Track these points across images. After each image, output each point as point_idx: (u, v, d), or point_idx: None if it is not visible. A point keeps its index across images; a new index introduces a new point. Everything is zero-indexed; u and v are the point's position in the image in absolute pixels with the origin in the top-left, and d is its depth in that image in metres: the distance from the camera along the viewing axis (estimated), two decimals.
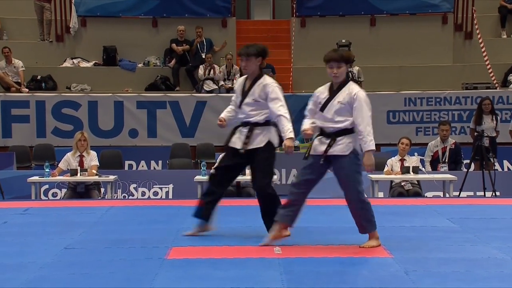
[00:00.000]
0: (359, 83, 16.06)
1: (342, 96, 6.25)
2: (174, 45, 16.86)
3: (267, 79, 6.91)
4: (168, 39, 17.01)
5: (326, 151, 6.22)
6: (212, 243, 6.43)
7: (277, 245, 6.23)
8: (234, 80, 16.18)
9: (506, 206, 8.82)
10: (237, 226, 7.41)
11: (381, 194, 10.88)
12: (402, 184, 10.77)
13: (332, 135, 6.25)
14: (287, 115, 6.76)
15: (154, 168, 14.59)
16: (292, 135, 6.73)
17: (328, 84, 6.44)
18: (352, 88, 6.29)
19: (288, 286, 4.95)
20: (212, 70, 16.26)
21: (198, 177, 10.69)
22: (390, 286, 4.98)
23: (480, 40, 16.53)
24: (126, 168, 14.25)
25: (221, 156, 7.25)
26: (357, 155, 6.22)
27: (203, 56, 16.58)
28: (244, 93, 6.90)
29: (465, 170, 11.63)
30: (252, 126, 6.80)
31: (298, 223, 7.50)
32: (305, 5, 17.41)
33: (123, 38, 17.00)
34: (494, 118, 12.98)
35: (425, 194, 10.85)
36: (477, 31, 16.76)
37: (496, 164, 12.85)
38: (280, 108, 6.75)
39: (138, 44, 17.02)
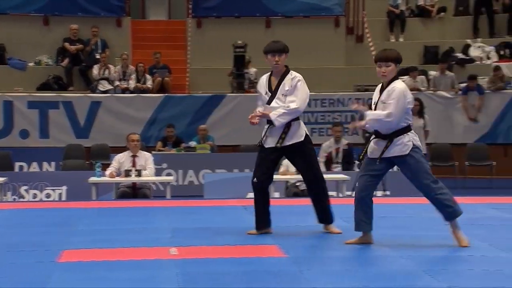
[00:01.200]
0: (256, 84, 16.21)
1: (384, 95, 6.21)
2: (67, 44, 16.49)
3: (295, 73, 6.98)
4: (61, 37, 16.63)
5: (383, 152, 6.19)
6: (106, 245, 6.32)
7: (173, 246, 6.19)
8: (130, 81, 15.99)
9: (396, 205, 9.08)
10: (134, 227, 7.31)
11: (276, 194, 11.00)
12: (297, 184, 10.92)
13: (388, 136, 6.22)
14: (289, 110, 6.73)
15: (47, 169, 14.23)
16: (274, 117, 6.72)
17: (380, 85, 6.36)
18: (394, 84, 6.19)
19: (184, 286, 4.93)
20: (107, 70, 16.00)
21: (93, 179, 10.49)
22: (284, 286, 5.03)
23: (371, 44, 17.00)
24: (17, 169, 13.84)
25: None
26: (419, 150, 6.24)
27: (98, 56, 16.30)
28: (274, 90, 6.87)
29: (357, 170, 11.91)
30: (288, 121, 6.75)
31: (195, 224, 7.51)
32: (200, 6, 17.41)
33: (12, 36, 16.51)
34: None
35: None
36: (368, 35, 17.23)
37: None
38: (291, 104, 6.73)
39: (29, 43, 16.57)
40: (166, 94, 15.74)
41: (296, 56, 17.78)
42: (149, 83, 15.96)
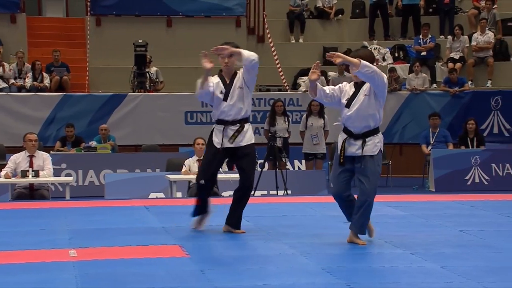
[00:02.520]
0: (158, 83, 16.10)
1: (366, 89, 6.23)
2: None
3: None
4: None
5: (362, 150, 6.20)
6: (1, 248, 6.13)
7: (73, 248, 6.08)
8: (26, 79, 15.56)
9: (296, 204, 9.21)
10: (31, 229, 7.13)
11: (179, 194, 10.96)
12: None
13: (360, 136, 6.25)
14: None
15: None
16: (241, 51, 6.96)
17: (352, 83, 6.35)
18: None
19: None
20: (1, 67, 15.52)
21: None
22: (186, 286, 5.03)
23: (271, 44, 17.19)
24: None
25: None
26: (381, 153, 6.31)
27: None
28: (227, 90, 6.91)
29: (259, 169, 12.03)
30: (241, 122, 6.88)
31: (96, 225, 7.39)
32: (99, 4, 17.15)
33: None
34: (286, 120, 13.54)
35: (222, 194, 11.07)
36: (268, 35, 17.41)
37: (288, 163, 13.42)
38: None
39: None
40: (65, 93, 15.41)
41: (198, 55, 17.87)
42: (46, 82, 15.58)
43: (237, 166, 7.04)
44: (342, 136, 6.34)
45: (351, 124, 6.29)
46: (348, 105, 6.31)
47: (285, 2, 18.47)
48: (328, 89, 6.47)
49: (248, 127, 6.95)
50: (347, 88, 6.42)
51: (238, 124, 6.89)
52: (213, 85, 6.96)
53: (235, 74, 7.02)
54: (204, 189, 7.06)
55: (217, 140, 6.92)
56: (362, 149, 6.23)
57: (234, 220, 6.99)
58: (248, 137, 6.91)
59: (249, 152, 6.93)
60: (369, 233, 6.44)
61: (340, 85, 6.48)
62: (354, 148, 6.25)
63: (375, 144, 6.26)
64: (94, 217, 8.03)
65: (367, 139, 6.25)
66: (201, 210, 7.07)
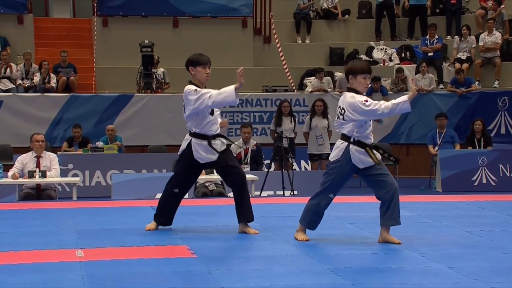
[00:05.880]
0: (164, 84, 16.12)
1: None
2: None
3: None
4: None
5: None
6: (9, 248, 6.15)
7: (80, 249, 6.09)
8: (34, 79, 15.60)
9: (303, 204, 9.12)
10: (38, 229, 7.14)
11: (185, 195, 10.94)
12: (206, 184, 10.93)
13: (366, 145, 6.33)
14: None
15: None
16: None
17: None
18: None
19: None
20: (8, 68, 15.56)
21: None
22: (193, 286, 5.03)
23: (278, 45, 17.19)
24: None
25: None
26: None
27: None
28: None
29: (266, 170, 12.03)
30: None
31: (102, 225, 7.40)
32: (106, 4, 17.18)
33: None
34: (292, 120, 13.55)
35: (228, 194, 11.07)
36: (275, 36, 17.42)
37: (294, 164, 13.42)
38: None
39: None
40: (72, 94, 15.44)
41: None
42: (53, 82, 15.62)
43: (221, 167, 6.94)
44: (359, 150, 6.30)
45: (367, 137, 6.35)
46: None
47: (291, 2, 18.47)
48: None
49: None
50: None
51: (218, 138, 6.84)
52: None
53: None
54: (177, 198, 7.02)
55: (200, 156, 6.80)
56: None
57: (245, 211, 6.88)
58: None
59: (226, 149, 6.92)
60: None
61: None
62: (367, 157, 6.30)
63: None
64: (101, 217, 8.04)
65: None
66: (166, 221, 7.05)
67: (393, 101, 6.29)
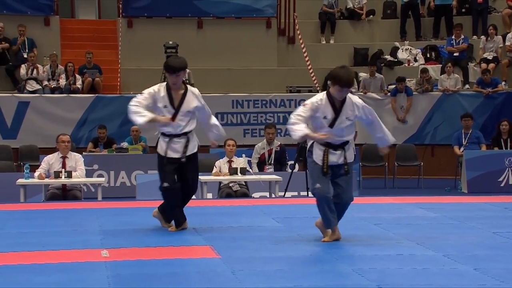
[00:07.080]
0: (190, 85, 16.15)
1: (349, 112, 6.45)
2: None
3: (193, 88, 7.48)
4: None
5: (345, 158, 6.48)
6: (35, 248, 6.20)
7: (105, 249, 6.12)
8: (60, 80, 15.73)
9: None
10: (64, 229, 7.19)
11: (209, 195, 10.99)
12: (230, 185, 10.94)
13: (339, 147, 6.50)
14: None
15: None
16: None
17: (325, 99, 6.45)
18: (353, 100, 6.53)
19: None
20: (35, 69, 15.70)
21: (21, 180, 10.26)
22: (217, 286, 5.04)
23: (302, 45, 17.16)
24: None
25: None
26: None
27: (25, 56, 15.98)
28: (177, 106, 7.20)
29: (289, 170, 12.01)
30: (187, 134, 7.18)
31: (127, 225, 7.44)
32: (131, 6, 17.26)
33: None
34: None
35: (252, 195, 11.08)
36: (299, 36, 17.39)
37: None
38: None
39: None
40: (97, 95, 15.54)
41: (228, 57, 17.97)
42: (79, 83, 15.73)
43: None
44: (320, 148, 6.46)
45: (331, 140, 6.47)
46: (331, 125, 6.44)
47: (316, 2, 18.43)
48: (304, 124, 6.47)
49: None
50: (322, 107, 6.45)
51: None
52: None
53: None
54: (174, 194, 7.11)
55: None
56: (345, 157, 6.48)
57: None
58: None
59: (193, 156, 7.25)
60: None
61: (311, 106, 6.44)
62: (335, 158, 6.46)
63: (353, 152, 6.59)
64: (126, 217, 8.08)
65: (345, 148, 6.51)
66: (180, 220, 7.15)
67: (300, 126, 6.37)
